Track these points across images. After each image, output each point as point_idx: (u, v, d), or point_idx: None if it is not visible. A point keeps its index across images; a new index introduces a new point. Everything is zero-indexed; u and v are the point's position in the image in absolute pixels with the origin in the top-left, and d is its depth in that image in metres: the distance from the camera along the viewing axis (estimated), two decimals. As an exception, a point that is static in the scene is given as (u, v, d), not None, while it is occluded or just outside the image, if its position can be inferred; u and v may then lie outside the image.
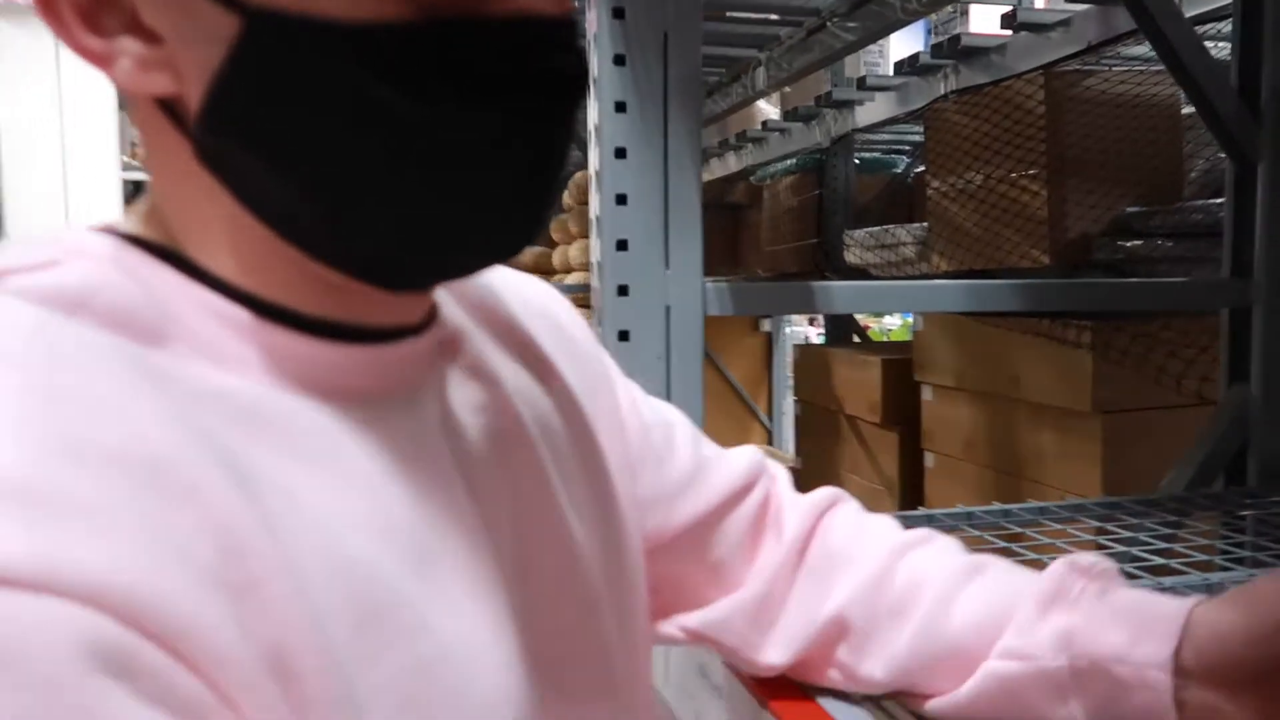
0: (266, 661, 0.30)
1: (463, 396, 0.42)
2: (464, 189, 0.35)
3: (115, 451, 0.30)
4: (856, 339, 3.52)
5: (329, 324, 0.37)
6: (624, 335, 0.80)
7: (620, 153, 0.77)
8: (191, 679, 0.28)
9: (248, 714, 0.30)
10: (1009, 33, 1.86)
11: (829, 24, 1.91)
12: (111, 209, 13.50)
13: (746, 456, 0.58)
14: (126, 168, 14.53)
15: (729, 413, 3.62)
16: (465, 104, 0.34)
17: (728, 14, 2.06)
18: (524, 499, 0.43)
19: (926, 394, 2.17)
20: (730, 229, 3.92)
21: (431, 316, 0.42)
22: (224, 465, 0.32)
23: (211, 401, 0.34)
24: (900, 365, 2.31)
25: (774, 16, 2.11)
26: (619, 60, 0.76)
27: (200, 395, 0.34)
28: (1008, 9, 1.84)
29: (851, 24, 1.87)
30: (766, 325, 4.12)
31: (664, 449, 0.55)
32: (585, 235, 3.07)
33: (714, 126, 3.41)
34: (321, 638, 0.32)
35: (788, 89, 3.15)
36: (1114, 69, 1.78)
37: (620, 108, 0.76)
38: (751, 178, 3.56)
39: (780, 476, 0.60)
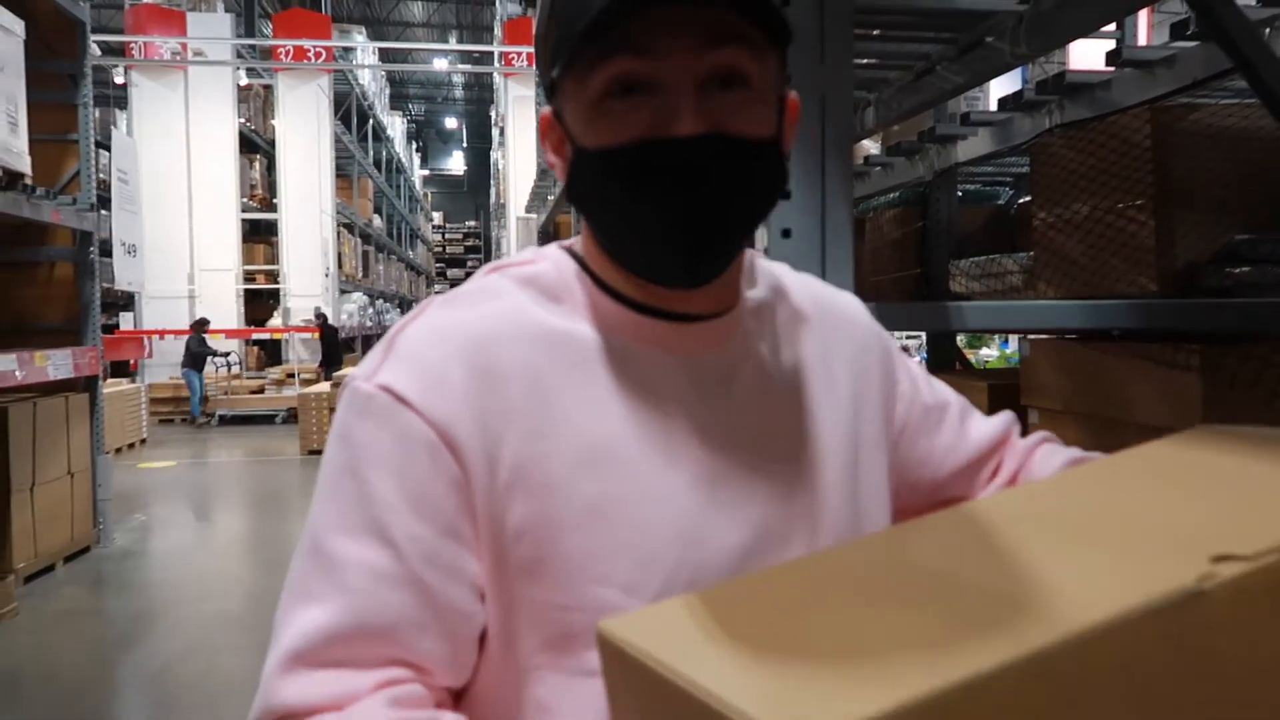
0: (503, 468, 0.63)
1: (728, 359, 0.69)
2: (652, 240, 0.64)
3: (464, 337, 0.65)
4: (959, 367, 3.57)
5: (645, 306, 0.67)
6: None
7: (786, 194, 0.92)
8: (455, 463, 0.62)
9: (476, 499, 0.63)
10: (1112, 69, 1.95)
11: (938, 68, 2.03)
12: (230, 242, 14.06)
13: (994, 427, 0.83)
14: (245, 209, 15.28)
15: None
16: (641, 191, 0.62)
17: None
18: (747, 429, 0.68)
19: (1033, 418, 2.24)
20: (829, 261, 3.96)
21: (725, 311, 0.69)
22: (528, 364, 0.64)
23: (562, 333, 0.66)
24: (1007, 390, 2.38)
25: (882, 61, 2.23)
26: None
27: (558, 329, 0.66)
28: (1111, 46, 1.93)
29: (959, 68, 1.99)
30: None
31: (935, 423, 0.81)
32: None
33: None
34: (545, 464, 0.63)
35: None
36: (1220, 102, 1.84)
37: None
38: (854, 210, 3.64)
39: (1014, 431, 0.85)
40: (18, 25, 4.33)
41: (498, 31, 14.95)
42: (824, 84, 0.91)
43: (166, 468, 8.62)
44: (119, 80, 13.58)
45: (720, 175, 0.62)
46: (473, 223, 32.94)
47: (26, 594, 4.46)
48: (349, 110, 16.39)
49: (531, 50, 7.74)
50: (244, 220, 13.48)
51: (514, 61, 13.28)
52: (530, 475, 0.62)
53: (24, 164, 4.35)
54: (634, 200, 0.62)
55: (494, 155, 19.36)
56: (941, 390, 0.83)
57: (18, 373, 4.26)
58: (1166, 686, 0.44)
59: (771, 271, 0.76)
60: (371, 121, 18.44)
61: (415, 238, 26.03)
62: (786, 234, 0.93)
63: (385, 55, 20.66)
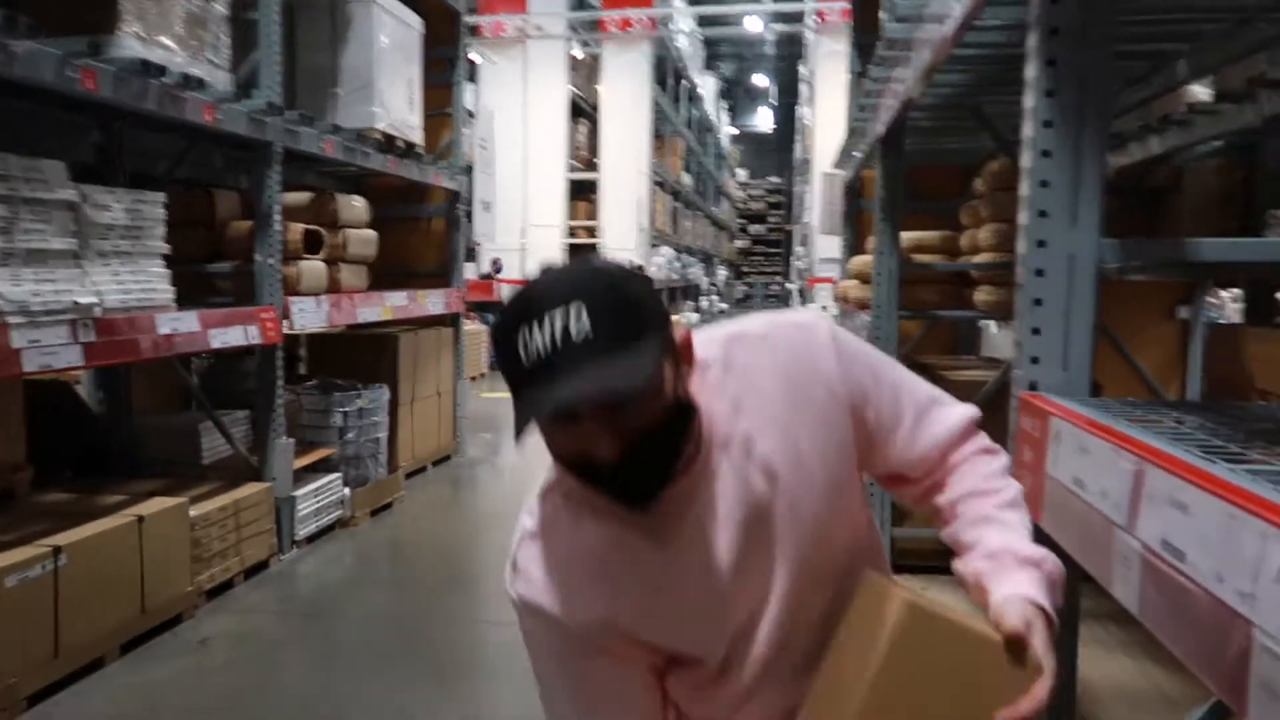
0: (609, 628, 1.03)
1: (703, 486, 1.02)
2: (609, 494, 0.95)
3: (568, 552, 1.04)
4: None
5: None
6: (1039, 272, 1.21)
7: (1046, 153, 1.17)
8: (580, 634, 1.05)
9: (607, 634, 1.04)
10: None
11: (1254, 19, 2.06)
12: (557, 200, 15.36)
13: (948, 426, 1.09)
14: (570, 169, 16.45)
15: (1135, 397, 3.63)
16: (587, 480, 0.95)
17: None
18: (723, 540, 1.03)
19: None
20: (1150, 213, 3.84)
21: (681, 473, 0.99)
22: (601, 557, 1.03)
23: (603, 534, 1.03)
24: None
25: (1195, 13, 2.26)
26: (1049, 93, 1.16)
27: (599, 530, 1.03)
28: None
29: (1278, 15, 2.01)
30: (1184, 312, 4.02)
31: (891, 426, 1.07)
32: (996, 219, 3.33)
33: (1134, 113, 3.41)
34: (620, 605, 1.03)
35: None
36: None
37: (1048, 124, 1.16)
38: (1172, 161, 3.52)
39: (957, 441, 1.10)
40: (416, 21, 5.23)
41: (811, -12, 14.98)
42: (1086, 64, 1.15)
43: (503, 397, 9.88)
44: (471, 57, 15.31)
45: (634, 472, 0.92)
46: (776, 179, 33.16)
47: (408, 486, 5.50)
48: (665, 74, 17.20)
49: (848, 5, 7.83)
50: (569, 180, 14.76)
51: (828, 17, 13.32)
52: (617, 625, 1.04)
53: (418, 136, 5.28)
54: (592, 484, 0.95)
55: (800, 111, 19.40)
56: (901, 406, 1.08)
57: (409, 306, 5.25)
58: None
59: (727, 366, 1.04)
60: (685, 83, 19.17)
61: (720, 194, 26.72)
62: (1044, 184, 1.19)
63: (702, 19, 21.28)
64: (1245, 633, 0.74)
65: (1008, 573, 0.95)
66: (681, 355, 0.96)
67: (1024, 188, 1.23)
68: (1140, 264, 1.32)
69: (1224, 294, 5.69)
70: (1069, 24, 1.15)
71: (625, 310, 0.88)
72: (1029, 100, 1.21)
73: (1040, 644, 0.88)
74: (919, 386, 1.10)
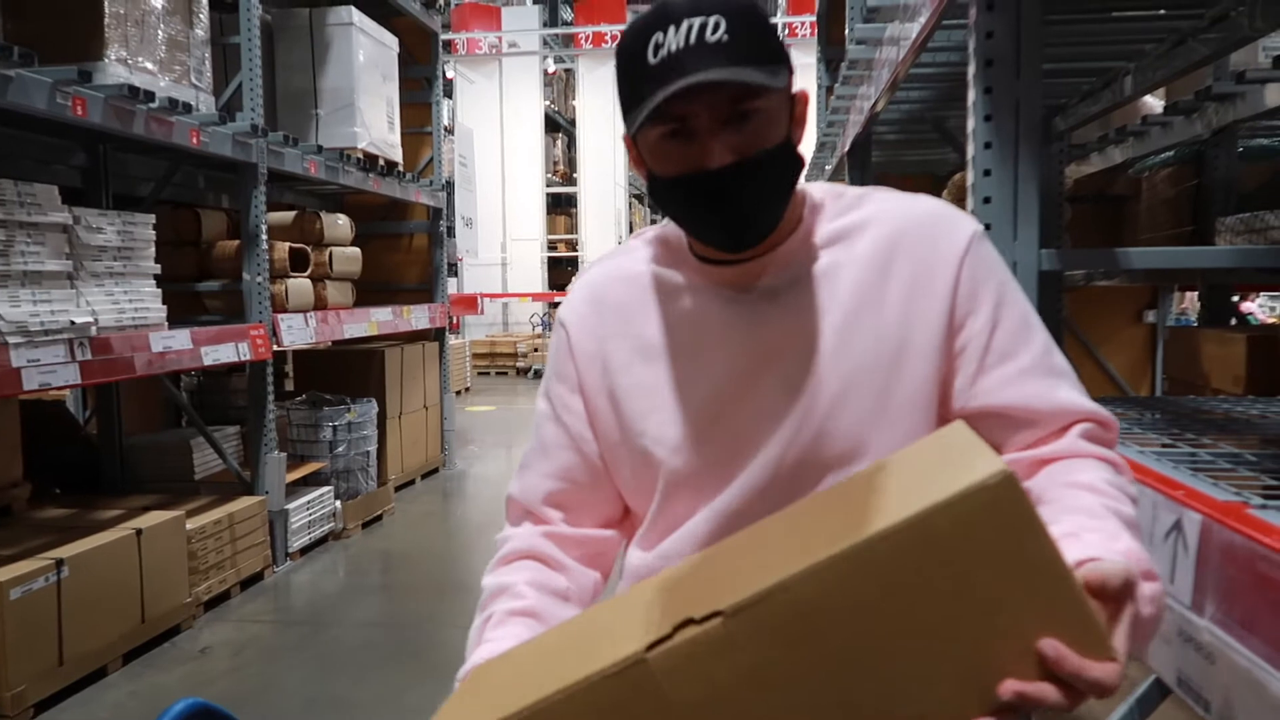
0: (598, 361, 1.03)
1: (770, 286, 0.96)
2: (706, 224, 0.92)
3: (594, 282, 1.06)
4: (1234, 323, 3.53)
5: (709, 258, 0.98)
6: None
7: (987, 172, 1.30)
8: (570, 360, 1.05)
9: (586, 381, 1.04)
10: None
11: (1189, 39, 2.21)
12: (535, 214, 15.50)
13: (1050, 402, 0.91)
14: (548, 183, 16.58)
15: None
16: (693, 207, 0.91)
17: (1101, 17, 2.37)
18: (755, 346, 0.95)
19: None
20: (1112, 220, 3.98)
21: (772, 249, 0.96)
22: (628, 299, 1.02)
23: (654, 275, 1.02)
24: (1266, 342, 2.48)
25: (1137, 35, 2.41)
26: (987, 118, 1.29)
27: (652, 273, 1.02)
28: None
29: (1210, 36, 2.16)
30: (1150, 316, 4.19)
31: (984, 364, 0.92)
32: (961, 228, 3.47)
33: (1095, 123, 3.56)
34: (617, 358, 1.01)
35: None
36: None
37: (987, 145, 1.29)
38: (1130, 170, 3.67)
39: (1081, 425, 0.90)
40: (393, 41, 5.34)
41: (781, 2, 15.21)
42: (1019, 93, 1.28)
43: (489, 410, 9.94)
44: (448, 75, 15.42)
45: (743, 188, 0.88)
46: (753, 190, 33.28)
47: (397, 499, 5.58)
48: (640, 87, 17.34)
49: (814, 19, 8.01)
50: (547, 194, 14.87)
51: (797, 31, 13.53)
52: (609, 363, 1.02)
53: (398, 154, 5.38)
54: (690, 210, 0.92)
55: (776, 123, 19.53)
56: (1025, 343, 0.92)
57: (395, 322, 5.34)
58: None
59: (856, 202, 0.99)
60: (660, 96, 19.31)
61: (698, 206, 26.86)
62: (987, 200, 1.32)
63: (673, 31, 21.47)
64: (1149, 587, 0.86)
65: (1118, 539, 0.74)
66: (798, 108, 0.93)
67: (969, 202, 1.36)
68: (1084, 270, 1.44)
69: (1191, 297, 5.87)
70: (1002, 56, 1.28)
71: (764, 31, 0.86)
72: (970, 123, 1.34)
73: (1126, 625, 0.65)
74: (1055, 349, 0.94)
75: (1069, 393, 0.91)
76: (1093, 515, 0.77)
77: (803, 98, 0.94)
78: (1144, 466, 0.90)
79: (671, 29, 0.84)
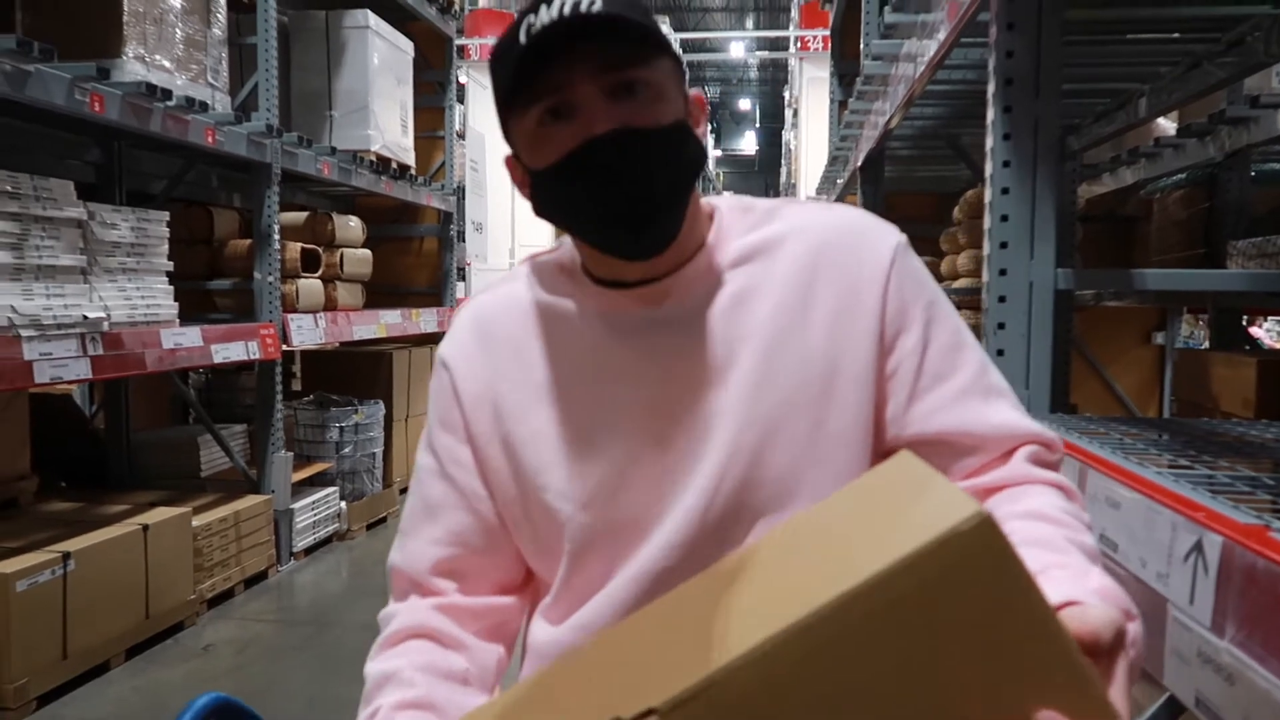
0: (487, 405, 0.88)
1: (672, 311, 0.85)
2: (600, 215, 0.79)
3: (480, 314, 0.92)
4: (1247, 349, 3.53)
5: (608, 281, 0.86)
6: (1002, 299, 1.34)
7: (1005, 190, 1.31)
8: (456, 406, 0.90)
9: (475, 429, 0.89)
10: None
11: (1204, 63, 2.22)
12: (546, 224, 15.74)
13: (994, 425, 0.82)
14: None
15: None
16: (582, 189, 0.78)
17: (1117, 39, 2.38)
18: (668, 380, 0.84)
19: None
20: (1123, 241, 3.98)
21: (673, 271, 0.84)
22: (519, 332, 0.88)
23: (545, 305, 0.88)
24: (1278, 366, 2.48)
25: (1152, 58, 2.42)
26: (1006, 137, 1.30)
27: (542, 302, 0.89)
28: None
29: (1227, 60, 2.17)
30: (1160, 338, 4.19)
31: (917, 387, 0.84)
32: (974, 246, 3.48)
33: (1108, 143, 3.56)
34: (510, 401, 0.87)
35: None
36: None
37: (1006, 164, 1.30)
38: (1142, 191, 3.67)
39: (1029, 449, 0.82)
40: (408, 45, 5.37)
41: (794, 14, 15.25)
42: (1038, 112, 1.29)
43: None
44: (461, 80, 15.47)
45: (636, 158, 0.77)
46: (762, 201, 33.28)
47: (402, 501, 5.59)
48: (651, 96, 17.37)
49: (827, 34, 8.03)
50: (557, 200, 14.88)
51: (810, 45, 13.57)
52: (501, 407, 0.88)
53: (410, 158, 5.41)
54: (579, 197, 0.79)
55: (785, 136, 19.65)
56: (959, 362, 0.84)
57: (403, 324, 5.36)
58: None
59: (767, 216, 0.89)
60: (671, 106, 19.35)
61: (706, 216, 26.86)
62: (1005, 218, 1.33)
63: (686, 44, 21.58)
64: (1162, 608, 0.86)
65: (1088, 576, 0.67)
66: (691, 104, 0.84)
67: (987, 221, 1.37)
68: (1097, 290, 1.45)
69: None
70: (1022, 75, 1.29)
71: (645, 13, 0.78)
72: (989, 141, 1.35)
73: (1122, 680, 0.58)
74: (991, 366, 0.87)
75: (1010, 413, 0.84)
76: (1054, 549, 0.70)
77: (698, 100, 0.85)
78: (1163, 487, 0.91)
79: (544, 7, 0.76)
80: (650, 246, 0.81)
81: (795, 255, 0.86)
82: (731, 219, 0.90)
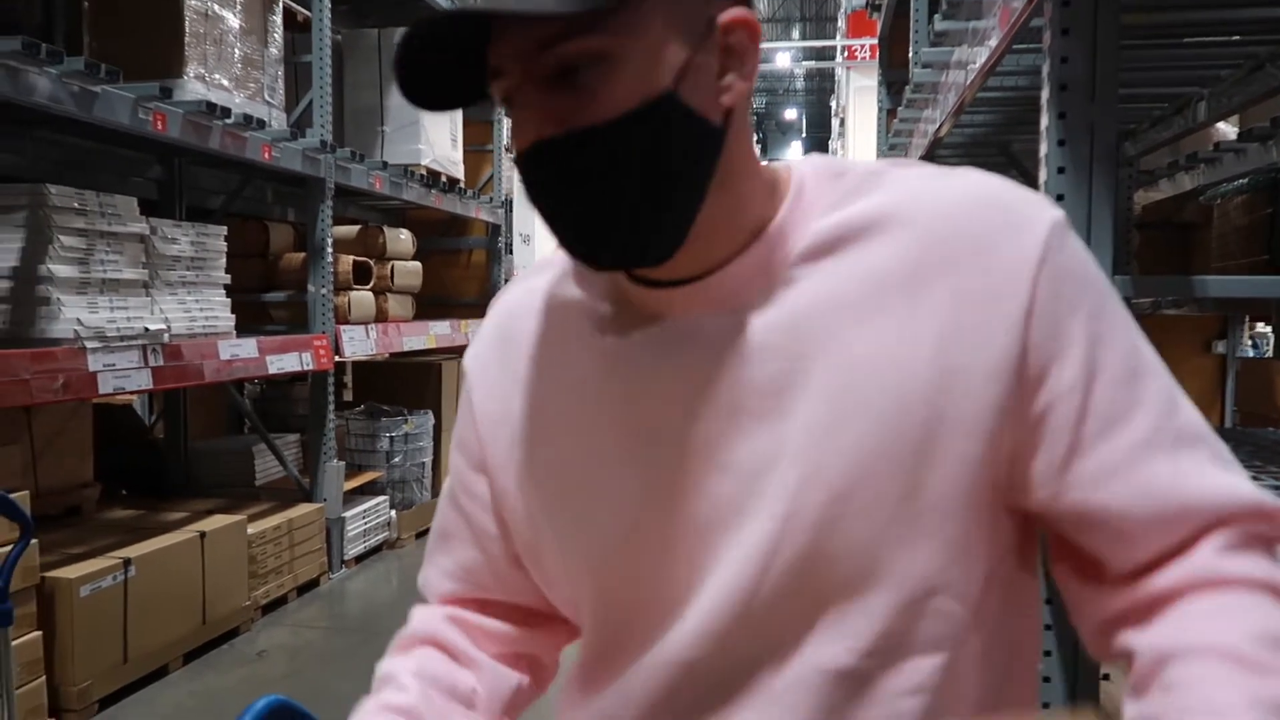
0: (505, 428, 0.72)
1: (702, 322, 0.64)
2: (553, 230, 0.63)
3: (505, 309, 0.75)
4: (1314, 357, 3.42)
5: (648, 280, 0.65)
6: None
7: (1060, 197, 1.29)
8: (473, 428, 0.74)
9: (491, 456, 0.72)
10: None
11: (1267, 65, 2.17)
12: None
13: (1216, 485, 0.58)
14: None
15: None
16: (528, 193, 0.62)
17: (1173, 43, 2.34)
18: (707, 409, 0.63)
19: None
20: (1181, 247, 3.90)
21: (708, 273, 0.64)
22: (546, 336, 0.70)
23: (573, 302, 0.70)
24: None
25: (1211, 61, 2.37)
26: (1061, 143, 1.28)
27: (569, 298, 0.70)
28: None
29: (1289, 64, 2.12)
30: (1220, 347, 4.09)
31: (1077, 437, 0.59)
32: (1025, 254, 3.43)
33: (1165, 149, 3.49)
34: (529, 425, 0.70)
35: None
36: None
37: (1061, 170, 1.28)
38: (1201, 197, 3.60)
39: (1239, 529, 0.58)
40: (459, 60, 5.45)
41: (841, 24, 15.20)
42: (1094, 118, 1.27)
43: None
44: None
45: (572, 173, 0.59)
46: (808, 211, 33.11)
47: (449, 512, 5.64)
48: (697, 107, 17.42)
49: (875, 42, 7.99)
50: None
51: (857, 54, 13.51)
52: (518, 431, 0.71)
53: (459, 172, 5.48)
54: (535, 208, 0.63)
55: (833, 145, 19.57)
56: (1139, 397, 0.60)
57: (452, 335, 5.43)
58: None
59: (863, 184, 0.65)
60: (717, 117, 19.38)
61: (752, 227, 26.79)
62: (1060, 225, 1.31)
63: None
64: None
65: None
66: (724, 38, 0.61)
67: (1041, 228, 1.35)
68: (1154, 298, 1.42)
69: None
70: (1077, 80, 1.27)
71: None
72: (1043, 148, 1.33)
73: None
74: (1180, 396, 0.62)
75: (1211, 473, 0.60)
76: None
77: (736, 24, 0.61)
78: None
79: None
80: (626, 262, 0.63)
81: (899, 243, 0.62)
82: (816, 190, 0.66)
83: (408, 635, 0.80)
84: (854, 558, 0.61)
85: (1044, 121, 1.35)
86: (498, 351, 0.74)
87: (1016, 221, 0.62)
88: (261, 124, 3.61)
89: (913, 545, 0.61)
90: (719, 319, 0.64)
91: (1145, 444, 0.60)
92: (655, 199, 0.60)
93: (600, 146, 0.58)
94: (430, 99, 0.63)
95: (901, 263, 0.62)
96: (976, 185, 0.64)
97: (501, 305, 0.77)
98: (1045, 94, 1.34)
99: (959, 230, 0.62)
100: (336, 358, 4.26)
